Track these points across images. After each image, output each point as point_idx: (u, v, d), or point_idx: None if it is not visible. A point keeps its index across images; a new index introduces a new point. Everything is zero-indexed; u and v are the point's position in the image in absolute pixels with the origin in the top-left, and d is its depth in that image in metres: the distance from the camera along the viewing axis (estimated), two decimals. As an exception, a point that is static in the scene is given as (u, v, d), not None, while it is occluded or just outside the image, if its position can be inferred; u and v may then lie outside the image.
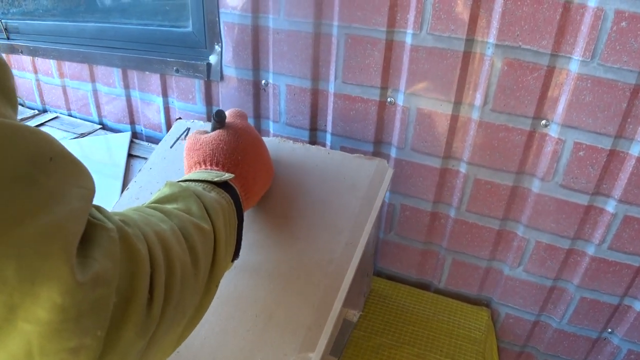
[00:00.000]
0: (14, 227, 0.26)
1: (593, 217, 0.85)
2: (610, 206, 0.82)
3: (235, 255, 0.60)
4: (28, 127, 0.29)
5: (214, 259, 0.51)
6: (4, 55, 1.46)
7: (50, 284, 0.27)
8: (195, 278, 0.45)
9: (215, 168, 0.62)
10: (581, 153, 0.80)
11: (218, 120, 0.66)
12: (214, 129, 0.67)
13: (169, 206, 0.50)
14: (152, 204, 0.50)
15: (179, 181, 0.58)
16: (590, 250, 0.87)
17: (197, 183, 0.57)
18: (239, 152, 0.64)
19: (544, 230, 0.89)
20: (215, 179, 0.58)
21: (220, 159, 0.63)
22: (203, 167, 0.63)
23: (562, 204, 0.85)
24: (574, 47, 0.74)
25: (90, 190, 0.33)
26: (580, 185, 0.82)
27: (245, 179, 0.64)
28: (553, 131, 0.81)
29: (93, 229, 0.33)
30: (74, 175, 0.32)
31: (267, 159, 0.72)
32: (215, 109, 1.11)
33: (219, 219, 0.53)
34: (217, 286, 0.52)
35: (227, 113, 0.71)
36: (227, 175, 0.60)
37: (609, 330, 0.94)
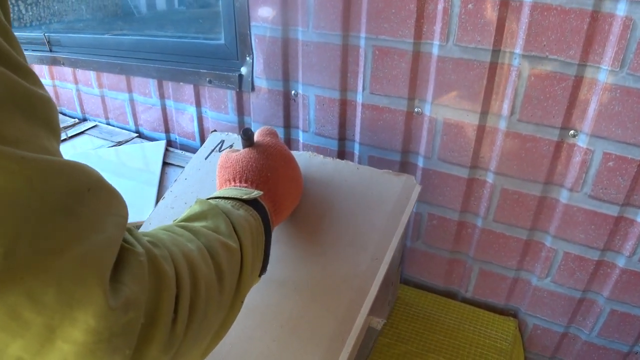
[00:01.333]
0: (55, 256, 0.28)
1: (623, 228, 0.84)
2: (641, 217, 0.81)
3: (263, 270, 0.61)
4: (68, 161, 0.31)
5: (240, 276, 0.52)
6: (46, 66, 1.54)
7: (86, 309, 0.29)
8: (220, 296, 0.46)
9: (245, 185, 0.64)
10: (610, 163, 0.79)
11: (245, 138, 0.68)
12: (244, 147, 0.69)
13: (197, 224, 0.51)
14: (182, 222, 0.52)
15: (209, 198, 0.59)
16: (621, 262, 0.86)
17: (226, 201, 0.58)
18: (267, 169, 0.66)
19: (572, 241, 0.88)
20: (244, 197, 0.59)
21: (249, 176, 0.64)
22: (233, 184, 0.64)
23: (591, 215, 0.84)
24: (602, 57, 0.74)
25: (124, 218, 0.36)
26: (609, 196, 0.81)
27: (274, 195, 0.65)
28: (581, 141, 0.80)
29: (124, 254, 0.35)
30: (110, 204, 0.34)
31: (297, 176, 0.73)
32: (246, 121, 1.14)
33: (247, 236, 0.54)
34: (242, 302, 0.53)
35: (257, 132, 0.73)
36: (255, 193, 0.61)
37: (641, 344, 0.93)
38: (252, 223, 0.57)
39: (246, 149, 0.68)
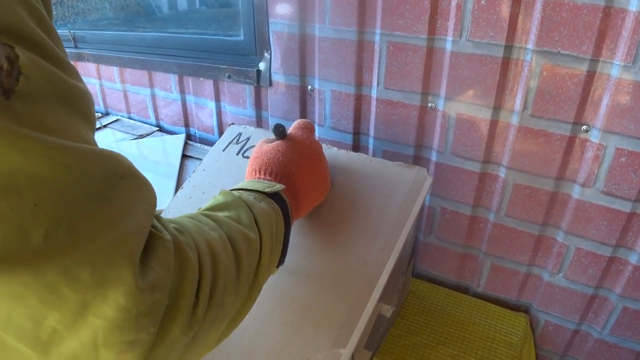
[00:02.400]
0: (90, 239, 0.30)
1: (636, 224, 0.84)
2: (655, 214, 0.81)
3: (281, 261, 0.62)
4: (103, 150, 0.33)
5: (258, 267, 0.54)
6: (72, 62, 1.58)
7: (117, 288, 0.31)
8: (237, 284, 0.48)
9: (268, 178, 0.65)
10: (623, 159, 0.79)
11: (276, 133, 0.70)
12: (276, 139, 0.71)
13: (221, 214, 0.53)
14: (206, 211, 0.54)
15: (232, 189, 0.62)
16: (634, 259, 0.86)
17: (249, 193, 0.60)
18: (293, 164, 0.67)
19: (584, 237, 0.88)
20: (266, 190, 0.61)
21: (274, 169, 0.66)
22: (258, 175, 0.67)
23: (603, 211, 0.85)
24: (614, 52, 0.74)
25: (153, 206, 0.38)
26: (622, 192, 0.82)
27: (296, 190, 0.67)
28: (594, 137, 0.81)
29: (152, 239, 0.37)
30: (141, 192, 0.36)
31: (323, 173, 0.74)
32: (263, 116, 1.16)
33: (266, 229, 0.56)
34: (259, 291, 0.55)
35: (294, 124, 0.74)
36: (277, 187, 0.63)
37: (654, 342, 0.92)
38: (273, 216, 0.59)
39: (277, 142, 0.70)
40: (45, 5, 0.34)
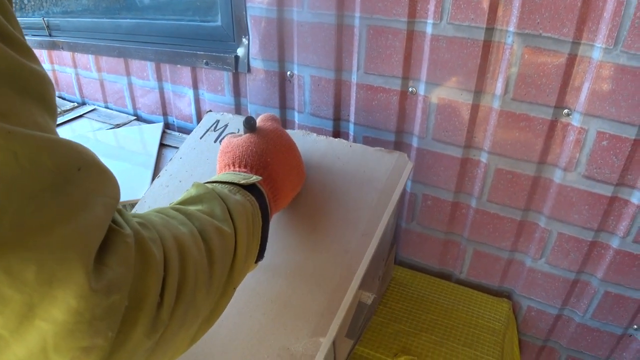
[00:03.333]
0: (38, 234, 0.28)
1: (617, 208, 0.83)
2: (636, 198, 0.81)
3: (260, 256, 0.60)
4: (60, 138, 0.31)
5: (233, 262, 0.51)
6: (46, 51, 1.54)
7: (66, 288, 0.29)
8: (210, 281, 0.46)
9: (244, 170, 0.63)
10: (604, 143, 0.79)
11: (248, 126, 0.67)
12: (245, 133, 0.68)
13: (193, 207, 0.51)
14: (177, 205, 0.51)
15: (206, 182, 0.59)
16: (615, 243, 0.86)
17: (223, 185, 0.57)
18: (267, 155, 0.65)
19: (566, 222, 0.88)
20: (242, 181, 0.58)
21: (248, 161, 0.63)
22: (232, 169, 0.64)
23: (585, 195, 0.84)
24: (596, 35, 0.73)
25: (114, 199, 0.35)
26: (603, 175, 0.81)
27: (273, 181, 0.64)
28: (575, 120, 0.80)
29: (111, 235, 0.34)
30: (100, 185, 0.34)
31: (298, 162, 0.72)
32: (242, 103, 1.14)
33: (242, 222, 0.53)
34: (234, 289, 0.52)
35: (259, 117, 0.72)
36: (254, 178, 0.60)
37: (635, 326, 0.92)
38: (249, 208, 0.56)
39: (247, 134, 0.67)
40: None
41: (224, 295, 0.50)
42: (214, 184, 0.57)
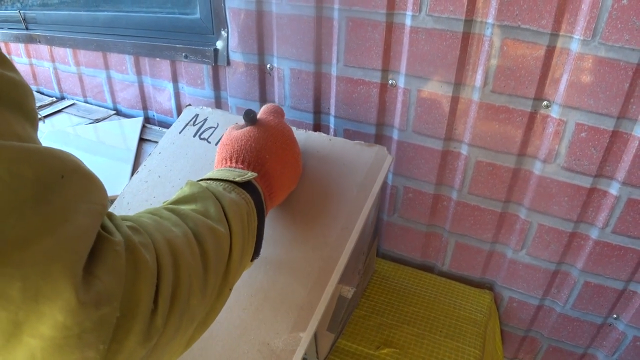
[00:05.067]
0: (21, 248, 0.27)
1: (596, 199, 0.84)
2: (614, 189, 0.81)
3: (255, 254, 0.59)
4: (39, 147, 0.30)
5: (229, 263, 0.50)
6: (22, 45, 1.51)
7: (53, 304, 0.28)
8: (205, 284, 0.45)
9: (240, 166, 0.61)
10: (583, 134, 0.79)
11: (248, 119, 0.66)
12: (246, 125, 0.66)
13: (186, 207, 0.49)
14: (170, 205, 0.50)
15: (200, 180, 0.57)
16: (594, 234, 0.86)
17: (218, 183, 0.56)
18: (266, 151, 0.63)
19: (546, 213, 0.88)
20: (237, 179, 0.57)
21: (246, 156, 0.62)
22: (229, 164, 0.62)
23: (564, 187, 0.85)
24: (574, 26, 0.73)
25: (102, 206, 0.34)
26: (582, 167, 0.81)
27: (270, 178, 0.63)
28: (554, 112, 0.80)
29: (99, 243, 0.33)
30: (85, 191, 0.32)
31: (296, 160, 0.71)
32: (222, 96, 1.12)
33: (237, 221, 0.52)
34: (230, 290, 0.51)
35: (262, 109, 0.70)
36: (249, 175, 0.58)
37: (614, 316, 0.93)
38: (244, 207, 0.55)
39: (248, 128, 0.65)
40: None
41: (220, 297, 0.49)
42: (209, 182, 0.56)
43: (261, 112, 0.69)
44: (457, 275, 1.06)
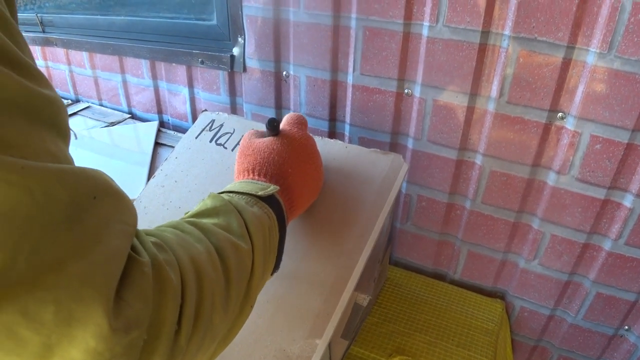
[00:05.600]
0: (54, 272, 0.27)
1: (610, 211, 0.84)
2: (628, 201, 0.81)
3: (275, 267, 0.58)
4: (73, 168, 0.30)
5: (250, 279, 0.49)
6: (39, 47, 1.53)
7: (85, 328, 0.28)
8: (227, 302, 0.44)
9: (263, 179, 0.60)
10: (598, 146, 0.79)
11: (271, 129, 0.64)
12: (268, 135, 0.65)
13: (209, 221, 0.49)
14: (192, 219, 0.49)
15: (222, 192, 0.57)
16: (607, 246, 0.87)
17: (240, 196, 0.55)
18: (289, 164, 0.62)
19: (559, 224, 0.89)
20: (259, 193, 0.56)
21: (268, 169, 0.61)
22: (251, 176, 0.61)
23: (578, 198, 0.85)
24: (590, 39, 0.74)
25: (132, 226, 0.34)
26: (596, 179, 0.82)
27: (292, 191, 0.62)
28: (569, 124, 0.80)
29: (129, 264, 0.33)
30: (117, 212, 0.32)
31: (318, 172, 0.69)
32: (237, 102, 1.13)
33: (259, 236, 0.51)
34: (252, 307, 0.50)
35: (285, 118, 0.69)
36: (272, 188, 0.57)
37: (626, 327, 0.93)
38: (266, 222, 0.54)
39: (270, 138, 0.64)
40: (8, 4, 0.30)
41: (242, 313, 0.49)
42: (231, 195, 0.56)
43: (284, 122, 0.69)
44: (469, 284, 1.06)
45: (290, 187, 0.62)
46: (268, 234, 0.54)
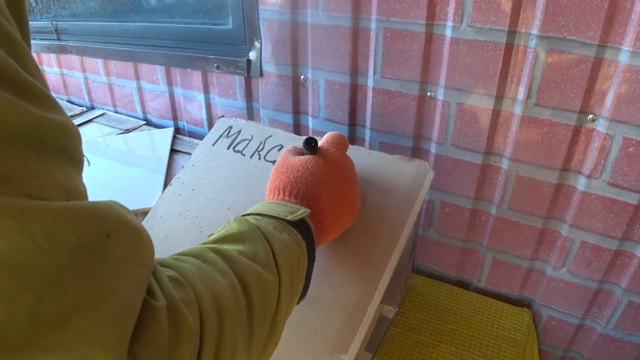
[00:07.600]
0: (58, 327, 0.24)
1: (643, 216, 0.81)
2: (662, 205, 0.78)
3: (303, 295, 0.55)
4: (81, 204, 0.27)
5: (275, 315, 0.46)
6: (54, 55, 1.53)
7: None
8: (250, 340, 0.41)
9: (293, 200, 0.57)
10: (631, 149, 0.76)
11: (308, 148, 0.61)
12: (306, 153, 0.62)
13: (234, 247, 0.46)
14: (216, 246, 0.46)
15: (249, 214, 0.54)
16: (640, 252, 0.83)
17: (268, 220, 0.52)
18: (323, 186, 0.58)
19: (589, 230, 0.85)
20: (289, 217, 0.53)
21: (300, 189, 0.58)
22: (281, 196, 0.58)
23: (609, 203, 0.82)
24: (623, 38, 0.71)
25: (149, 267, 0.31)
26: (629, 183, 0.79)
27: (323, 216, 0.58)
28: (600, 126, 0.77)
29: (142, 310, 0.30)
30: (133, 251, 0.30)
31: (355, 198, 0.65)
32: (254, 107, 1.11)
33: (286, 266, 0.48)
34: (276, 343, 0.47)
35: (325, 137, 0.66)
36: (301, 212, 0.54)
37: (659, 336, 0.90)
38: (295, 250, 0.51)
39: (307, 157, 0.61)
40: (18, 23, 0.27)
41: (265, 351, 0.46)
42: (258, 218, 0.52)
43: (324, 140, 0.65)
44: (494, 292, 1.03)
45: (322, 210, 0.58)
46: (296, 263, 0.50)
